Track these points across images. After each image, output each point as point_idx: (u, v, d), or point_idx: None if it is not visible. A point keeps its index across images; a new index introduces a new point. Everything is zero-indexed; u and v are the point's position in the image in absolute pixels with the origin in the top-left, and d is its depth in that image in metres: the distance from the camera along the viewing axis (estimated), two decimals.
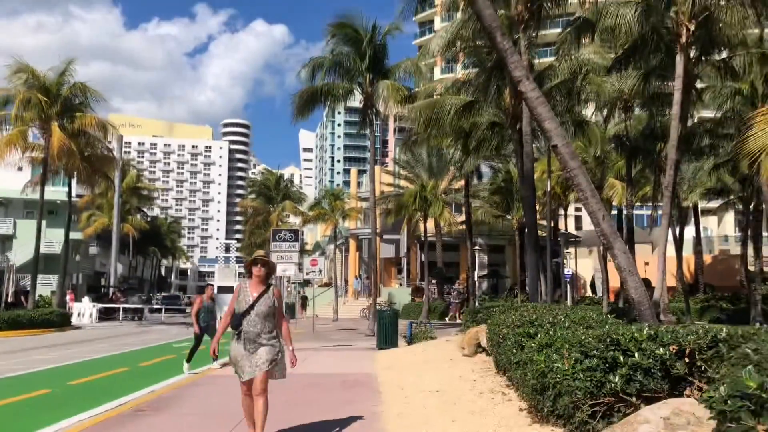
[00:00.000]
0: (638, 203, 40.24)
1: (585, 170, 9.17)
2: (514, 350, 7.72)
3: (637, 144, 28.64)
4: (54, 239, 57.49)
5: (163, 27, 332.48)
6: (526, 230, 18.07)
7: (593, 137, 25.99)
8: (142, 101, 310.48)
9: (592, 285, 50.59)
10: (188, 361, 12.93)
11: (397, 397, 8.80)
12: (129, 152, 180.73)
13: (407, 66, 25.45)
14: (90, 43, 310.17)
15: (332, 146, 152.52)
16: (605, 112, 27.78)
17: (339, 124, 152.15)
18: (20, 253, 53.94)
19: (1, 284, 29.28)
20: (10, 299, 28.77)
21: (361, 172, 71.58)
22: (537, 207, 42.67)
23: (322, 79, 24.69)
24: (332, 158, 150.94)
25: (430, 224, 39.20)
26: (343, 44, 25.08)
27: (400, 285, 48.98)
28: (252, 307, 6.07)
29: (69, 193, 32.03)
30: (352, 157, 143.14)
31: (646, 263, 37.34)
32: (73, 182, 35.13)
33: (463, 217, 43.09)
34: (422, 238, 44.97)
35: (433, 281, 42.69)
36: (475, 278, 38.09)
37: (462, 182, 40.24)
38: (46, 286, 53.70)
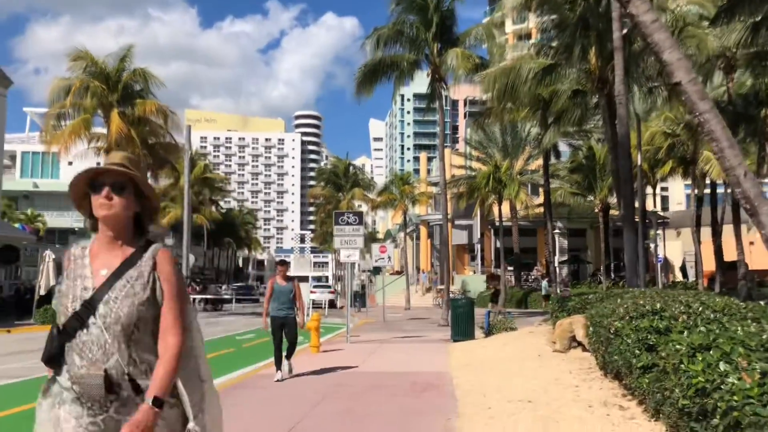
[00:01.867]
0: None
1: (719, 114, 7.03)
2: (637, 351, 5.75)
3: (738, 110, 25.57)
4: None
5: (237, 25, 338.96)
6: (623, 206, 15.79)
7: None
8: (218, 98, 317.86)
9: (683, 269, 46.97)
10: (277, 367, 9.97)
11: (478, 409, 6.97)
12: (205, 146, 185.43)
13: (478, 32, 23.35)
14: (168, 44, 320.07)
15: (402, 134, 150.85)
16: (702, 75, 24.78)
17: (408, 112, 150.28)
18: None
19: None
20: (42, 292, 28.33)
21: (430, 158, 69.55)
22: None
23: (382, 50, 22.88)
24: (402, 146, 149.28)
25: (505, 208, 36.92)
26: (408, 12, 23.21)
27: (474, 272, 46.89)
28: None
29: None
30: (422, 144, 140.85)
31: (751, 243, 33.88)
32: (151, 176, 34.93)
33: (540, 199, 40.59)
34: (496, 223, 42.77)
35: (510, 268, 40.43)
36: (556, 264, 35.61)
37: (539, 161, 37.72)
38: None
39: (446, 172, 25.13)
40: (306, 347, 14.47)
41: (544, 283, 31.67)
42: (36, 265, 42.98)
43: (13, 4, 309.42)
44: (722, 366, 3.80)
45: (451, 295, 25.45)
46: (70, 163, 52.09)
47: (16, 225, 45.26)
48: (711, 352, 4.13)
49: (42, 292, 25.69)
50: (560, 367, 9.23)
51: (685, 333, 4.69)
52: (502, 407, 6.82)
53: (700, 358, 4.12)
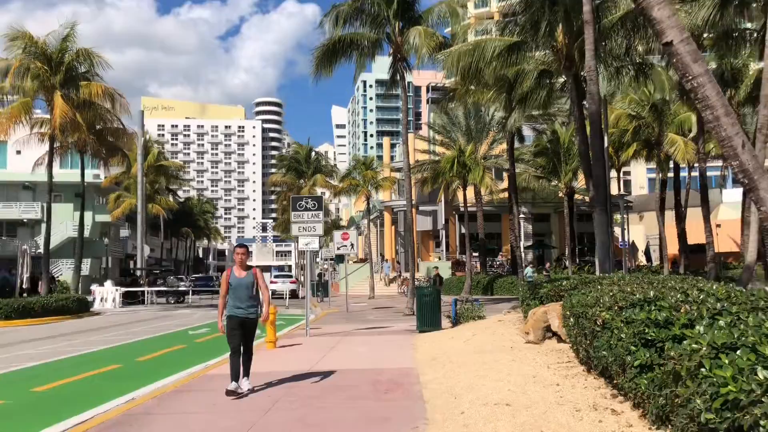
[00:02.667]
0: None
1: (714, 78, 6.28)
2: (632, 347, 4.97)
3: None
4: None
5: (195, 11, 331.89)
6: (593, 187, 15.16)
7: (658, 82, 22.67)
8: (177, 86, 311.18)
9: (647, 252, 47.13)
10: (233, 377, 8.08)
11: (449, 413, 6.14)
12: (163, 134, 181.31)
13: (441, 10, 22.43)
14: (124, 30, 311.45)
15: (365, 121, 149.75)
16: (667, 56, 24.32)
17: (371, 98, 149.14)
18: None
19: (16, 270, 27.40)
20: (25, 285, 26.91)
21: (393, 144, 68.65)
22: (580, 171, 39.60)
23: (342, 28, 21.82)
24: (365, 133, 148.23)
25: (470, 193, 36.27)
26: None
27: (439, 259, 46.26)
28: None
29: (82, 171, 29.93)
30: (385, 131, 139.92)
31: (718, 225, 33.91)
32: (99, 164, 33.27)
33: (504, 184, 40.07)
34: (461, 209, 42.17)
35: (475, 254, 39.89)
36: (521, 249, 35.16)
37: (503, 146, 37.14)
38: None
39: (410, 157, 24.26)
40: (261, 343, 13.52)
41: (529, 269, 30.25)
42: None
43: None
44: (761, 373, 3.00)
45: (416, 282, 24.72)
46: (18, 152, 49.81)
47: None
48: (739, 353, 3.34)
49: None
50: (536, 360, 8.48)
51: (699, 328, 3.90)
52: (476, 411, 5.99)
53: (726, 361, 3.33)
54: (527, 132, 39.50)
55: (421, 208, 44.37)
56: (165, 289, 37.77)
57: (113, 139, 29.88)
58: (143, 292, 36.47)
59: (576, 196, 38.43)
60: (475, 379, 7.71)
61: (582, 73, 21.11)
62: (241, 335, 8.17)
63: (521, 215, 39.65)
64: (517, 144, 36.03)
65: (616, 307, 5.80)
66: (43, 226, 55.00)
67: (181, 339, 16.72)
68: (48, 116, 26.42)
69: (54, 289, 30.53)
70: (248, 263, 8.51)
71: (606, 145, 25.52)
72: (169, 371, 10.61)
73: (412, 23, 22.15)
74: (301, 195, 22.77)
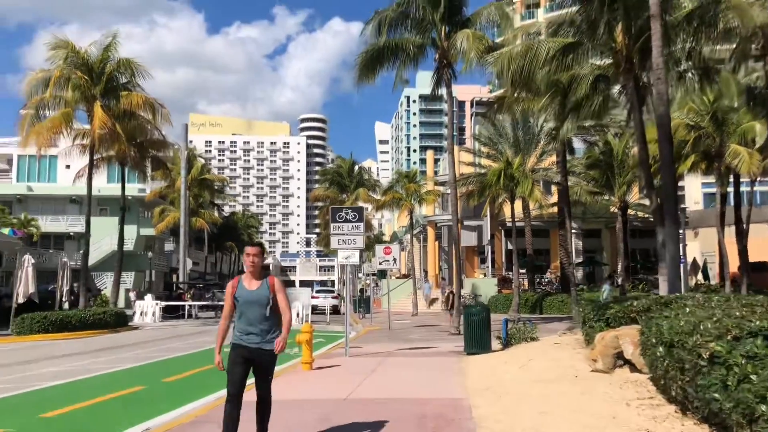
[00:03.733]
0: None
1: None
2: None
3: None
4: (127, 236, 56.26)
5: (243, 30, 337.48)
6: (664, 196, 13.76)
7: (726, 88, 21.07)
8: (225, 104, 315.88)
9: (704, 270, 44.74)
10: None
11: None
12: (210, 150, 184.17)
13: (490, 12, 21.33)
14: (175, 50, 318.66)
15: (408, 136, 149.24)
16: (737, 58, 22.66)
17: (414, 113, 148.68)
18: (94, 251, 53.15)
19: (56, 283, 27.13)
20: (65, 298, 26.62)
21: (437, 159, 67.58)
22: (635, 185, 37.76)
23: (386, 34, 20.90)
24: (408, 148, 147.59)
25: (517, 207, 34.84)
26: None
27: (485, 275, 44.80)
28: None
29: (123, 183, 29.65)
30: (429, 146, 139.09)
31: None
32: (141, 177, 33.04)
33: (553, 198, 38.48)
34: (507, 223, 40.71)
35: (522, 270, 38.35)
36: (573, 266, 33.52)
37: (552, 158, 35.66)
38: (121, 284, 52.57)
39: (455, 170, 23.09)
40: (297, 363, 12.52)
41: (606, 287, 27.54)
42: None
43: (22, 13, 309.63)
44: None
45: (462, 299, 23.47)
46: (68, 167, 50.42)
47: (6, 230, 43.45)
48: None
49: (21, 300, 23.86)
50: (610, 395, 7.22)
51: None
52: None
53: None
54: (577, 144, 37.93)
55: (465, 222, 43.01)
56: (206, 303, 37.19)
57: (155, 151, 29.54)
58: (184, 306, 36.02)
59: (629, 211, 36.67)
60: (539, 417, 6.51)
61: (643, 76, 19.81)
62: (246, 371, 5.83)
63: (573, 230, 38.00)
64: (567, 156, 34.56)
65: (728, 337, 4.56)
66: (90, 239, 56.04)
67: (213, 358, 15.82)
68: (88, 127, 26.15)
69: (93, 302, 30.24)
70: (265, 266, 6.30)
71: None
72: (194, 395, 9.67)
73: (459, 27, 21.10)
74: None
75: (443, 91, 22.22)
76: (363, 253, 75.74)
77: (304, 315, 26.27)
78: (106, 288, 46.52)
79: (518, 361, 11.51)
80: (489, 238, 43.21)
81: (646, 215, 39.87)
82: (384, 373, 11.73)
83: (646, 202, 37.94)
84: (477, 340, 14.80)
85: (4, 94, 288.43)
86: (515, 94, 23.40)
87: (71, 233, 54.78)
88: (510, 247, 41.64)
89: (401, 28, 21.33)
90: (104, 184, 52.26)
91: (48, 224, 52.70)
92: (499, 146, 35.25)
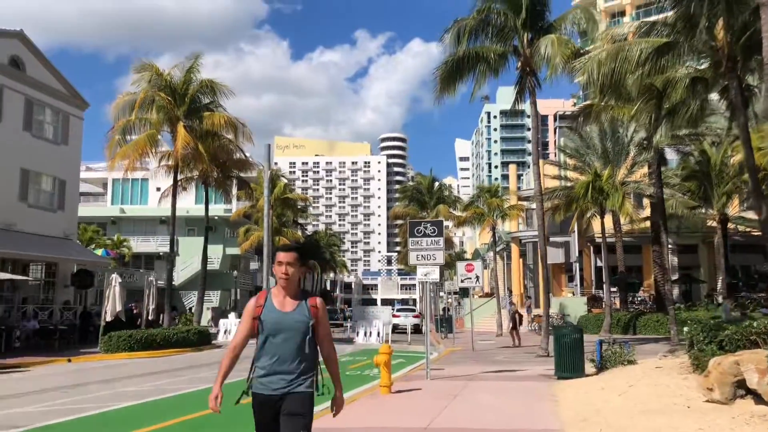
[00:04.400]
0: None
1: None
2: None
3: None
4: (213, 255, 57.83)
5: (326, 55, 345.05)
6: None
7: None
8: (308, 127, 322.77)
9: None
10: None
11: None
12: (294, 171, 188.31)
13: (575, 16, 20.28)
14: (261, 76, 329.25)
15: (488, 152, 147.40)
16: None
17: (495, 129, 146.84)
18: (182, 270, 54.64)
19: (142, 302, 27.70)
20: (150, 317, 27.13)
21: (520, 173, 65.87)
22: (735, 196, 35.22)
23: (465, 43, 20.18)
24: (489, 164, 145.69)
25: (607, 222, 33.12)
26: (494, 0, 20.45)
27: (573, 294, 42.94)
28: None
29: (206, 203, 30.11)
30: (510, 161, 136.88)
31: None
32: (224, 197, 33.51)
33: (645, 212, 36.47)
34: (596, 239, 38.90)
35: (613, 289, 36.41)
36: (669, 283, 31.44)
37: (643, 170, 33.82)
38: (207, 303, 53.82)
39: (540, 184, 21.94)
40: (375, 386, 11.87)
41: (726, 305, 25.60)
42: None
43: (120, 46, 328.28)
44: None
45: (549, 319, 22.24)
46: (158, 189, 52.18)
47: (100, 251, 45.20)
48: None
49: (108, 318, 24.37)
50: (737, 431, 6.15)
51: None
52: None
53: None
54: (670, 156, 35.88)
55: (552, 239, 41.43)
56: None
57: (237, 170, 29.86)
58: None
59: (728, 224, 34.26)
60: None
61: (746, 77, 18.26)
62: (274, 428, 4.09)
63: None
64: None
65: None
66: (178, 259, 57.70)
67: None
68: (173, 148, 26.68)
69: (177, 320, 30.73)
70: (315, 296, 4.26)
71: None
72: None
73: (542, 33, 20.16)
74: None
75: (526, 100, 21.29)
76: (444, 271, 74.73)
77: (384, 334, 25.63)
78: (193, 306, 47.50)
79: (617, 387, 10.42)
80: (577, 254, 41.45)
81: (748, 229, 37.18)
82: (468, 398, 10.89)
83: (748, 214, 35.48)
84: (569, 363, 13.75)
85: (103, 124, 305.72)
86: (603, 102, 22.17)
87: (161, 253, 56.54)
88: (599, 264, 39.77)
89: (481, 37, 20.59)
90: (192, 205, 53.72)
91: (139, 245, 54.61)
92: (586, 158, 33.73)
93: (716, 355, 8.57)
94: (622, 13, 63.90)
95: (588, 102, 25.36)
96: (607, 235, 33.12)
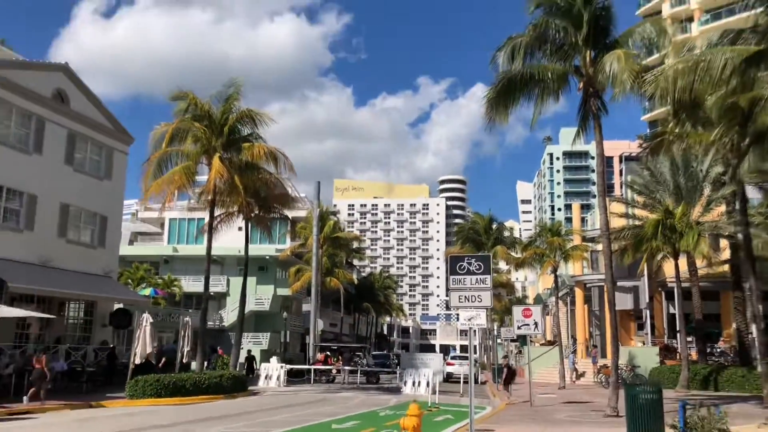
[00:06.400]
0: None
1: None
2: None
3: None
4: (264, 296, 56.66)
5: (388, 101, 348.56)
6: None
7: None
8: (370, 171, 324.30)
9: None
10: None
11: None
12: (353, 214, 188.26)
13: (645, 30, 18.06)
14: (324, 122, 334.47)
15: (551, 194, 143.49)
16: None
17: (558, 171, 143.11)
18: (232, 311, 53.53)
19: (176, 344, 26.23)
20: (184, 360, 25.60)
21: (584, 216, 62.72)
22: None
23: (520, 62, 18.23)
24: (552, 207, 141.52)
25: (681, 265, 30.07)
26: (551, 15, 18.52)
27: (643, 344, 39.44)
28: None
29: (246, 239, 28.75)
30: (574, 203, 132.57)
31: None
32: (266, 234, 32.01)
33: (724, 255, 33.18)
34: (668, 284, 35.69)
35: (689, 338, 32.99)
36: (754, 334, 28.02)
37: (720, 209, 30.76)
38: (256, 345, 52.35)
39: (606, 223, 19.45)
40: None
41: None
42: (170, 330, 41.78)
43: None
44: None
45: (620, 372, 19.54)
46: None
47: (149, 290, 44.47)
48: None
49: (137, 361, 22.92)
50: None
51: None
52: None
53: None
54: (752, 194, 32.64)
55: (618, 283, 38.26)
56: (327, 367, 35.03)
57: (279, 206, 28.41)
58: (310, 369, 34.32)
59: None
60: None
61: None
62: None
63: (749, 292, 32.27)
64: (737, 207, 29.41)
65: None
66: (228, 299, 56.71)
67: None
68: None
69: (213, 364, 29.13)
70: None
71: None
72: None
73: (607, 50, 18.04)
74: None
75: (590, 131, 19.05)
76: (504, 317, 71.33)
77: (433, 384, 23.27)
78: (242, 348, 45.95)
79: None
80: (647, 300, 38.13)
81: None
82: None
83: None
84: (645, 430, 11.27)
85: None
86: (677, 127, 19.70)
87: (212, 293, 55.73)
88: (672, 311, 36.38)
89: (538, 55, 18.63)
90: (243, 244, 52.86)
91: (190, 284, 53.83)
92: (656, 194, 30.93)
93: None
94: (690, 19, 60.30)
95: (659, 129, 22.92)
96: (681, 279, 30.02)
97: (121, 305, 30.94)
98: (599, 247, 42.54)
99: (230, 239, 45.23)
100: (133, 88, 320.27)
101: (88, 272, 27.89)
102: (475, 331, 11.74)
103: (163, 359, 23.71)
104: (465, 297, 11.56)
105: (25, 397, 18.71)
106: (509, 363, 28.47)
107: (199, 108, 23.60)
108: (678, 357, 32.75)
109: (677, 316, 30.35)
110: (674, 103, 15.44)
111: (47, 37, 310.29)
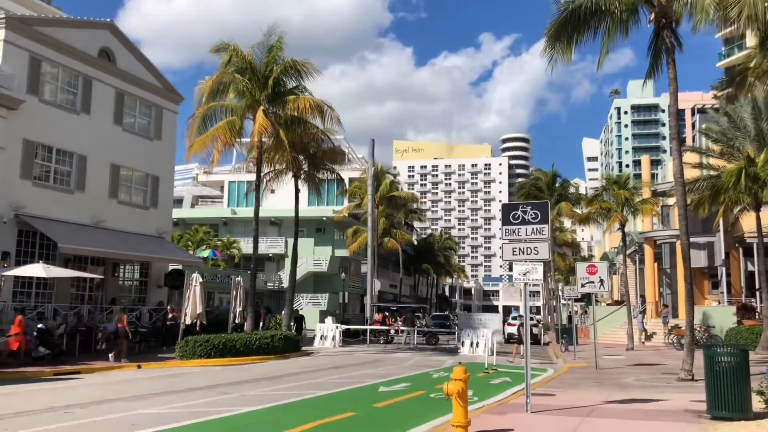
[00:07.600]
0: None
1: None
2: None
3: None
4: (322, 257, 56.38)
5: (449, 60, 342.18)
6: None
7: None
8: (431, 132, 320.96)
9: None
10: None
11: None
12: (413, 175, 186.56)
13: None
14: (384, 84, 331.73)
15: (619, 150, 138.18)
16: None
17: (626, 125, 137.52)
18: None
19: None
20: (237, 320, 25.23)
21: (653, 171, 59.52)
22: None
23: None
24: (619, 164, 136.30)
25: (762, 218, 27.68)
26: None
27: (718, 303, 37.11)
28: None
29: (296, 197, 27.96)
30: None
31: None
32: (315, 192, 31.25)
33: None
34: (746, 239, 33.23)
35: None
36: None
37: None
38: (315, 306, 52.29)
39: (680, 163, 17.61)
40: (445, 425, 8.68)
41: None
42: (227, 291, 41.91)
43: None
44: None
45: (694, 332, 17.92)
46: (273, 191, 51.37)
47: (207, 252, 44.64)
48: None
49: (188, 321, 22.63)
50: None
51: None
52: None
53: None
54: None
55: (692, 239, 35.92)
56: (384, 327, 34.41)
57: (329, 162, 27.43)
58: (365, 330, 33.74)
59: None
60: None
61: None
62: None
63: None
64: None
65: None
66: (286, 260, 56.62)
67: (357, 401, 12.42)
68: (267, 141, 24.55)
69: (268, 323, 28.74)
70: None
71: None
72: None
73: None
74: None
75: (664, 61, 17.13)
76: (569, 277, 69.01)
77: (490, 345, 22.14)
78: (302, 309, 45.83)
79: None
80: (723, 257, 35.72)
81: None
82: None
83: None
84: (728, 398, 9.87)
85: None
86: (764, 60, 17.54)
87: (270, 254, 55.78)
88: (750, 268, 33.95)
89: None
90: (303, 206, 52.48)
91: (249, 246, 53.89)
92: (735, 142, 28.44)
93: None
94: None
95: (741, 66, 20.64)
96: (763, 233, 27.67)
97: (177, 266, 30.99)
98: (670, 201, 40.04)
99: (289, 201, 44.84)
100: (195, 56, 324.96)
101: (141, 233, 27.74)
102: (528, 285, 10.43)
103: (198, 322, 23.15)
104: (519, 249, 10.27)
105: (110, 355, 19.48)
106: (522, 322, 26.61)
107: (241, 59, 22.62)
108: (757, 317, 30.57)
109: (757, 273, 28.08)
110: (764, 29, 13.47)
111: (112, 8, 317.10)
